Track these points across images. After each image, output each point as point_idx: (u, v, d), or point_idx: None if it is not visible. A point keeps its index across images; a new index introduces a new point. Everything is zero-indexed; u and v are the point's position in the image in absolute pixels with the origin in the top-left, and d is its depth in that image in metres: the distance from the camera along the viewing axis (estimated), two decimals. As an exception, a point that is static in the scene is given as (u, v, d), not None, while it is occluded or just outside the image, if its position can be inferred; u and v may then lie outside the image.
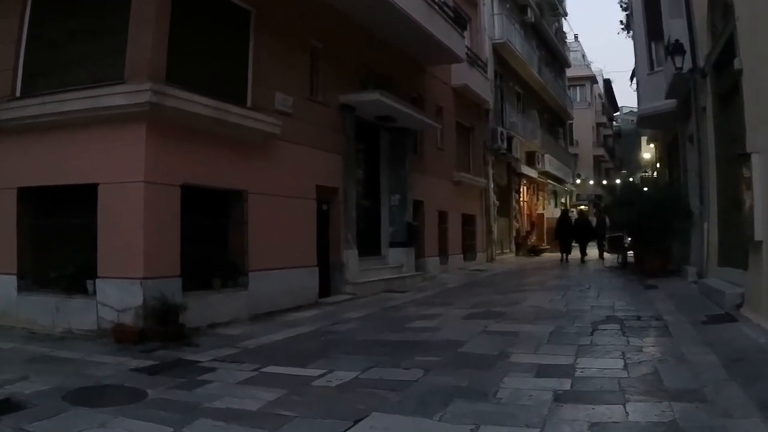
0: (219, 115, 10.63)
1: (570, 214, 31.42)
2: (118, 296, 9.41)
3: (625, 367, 6.81)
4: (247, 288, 11.49)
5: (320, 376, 6.93)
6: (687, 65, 14.33)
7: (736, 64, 9.89)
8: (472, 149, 26.09)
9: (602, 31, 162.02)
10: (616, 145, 79.50)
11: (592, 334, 8.91)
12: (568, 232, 28.25)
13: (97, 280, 9.70)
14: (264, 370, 7.29)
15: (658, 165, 29.54)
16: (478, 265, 24.60)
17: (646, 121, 21.13)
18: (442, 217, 21.89)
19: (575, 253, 28.20)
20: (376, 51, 17.08)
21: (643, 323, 9.76)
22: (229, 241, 11.66)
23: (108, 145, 9.75)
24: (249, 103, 12.00)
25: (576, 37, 68.88)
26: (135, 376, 7.04)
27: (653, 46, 19.89)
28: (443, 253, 21.76)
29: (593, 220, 31.35)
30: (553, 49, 43.87)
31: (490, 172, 27.67)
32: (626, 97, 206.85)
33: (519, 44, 31.65)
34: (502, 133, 28.12)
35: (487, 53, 27.55)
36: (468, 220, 24.83)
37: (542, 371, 6.76)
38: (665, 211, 16.68)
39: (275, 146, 12.47)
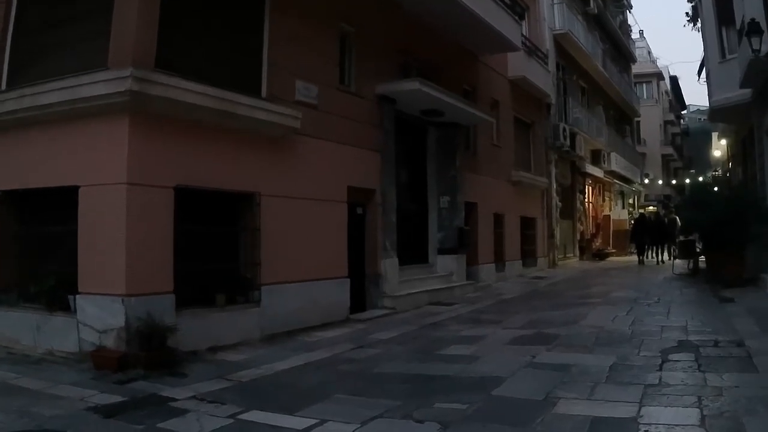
0: (223, 107, 9.04)
1: (648, 216, 31.42)
2: (98, 315, 7.99)
3: (702, 421, 5.13)
4: (259, 304, 9.84)
5: (305, 430, 5.37)
6: (765, 48, 12.22)
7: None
8: (533, 147, 23.91)
9: (668, 25, 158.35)
10: (685, 144, 77.57)
11: (661, 368, 7.03)
12: (646, 235, 27.84)
13: (77, 296, 8.24)
14: (243, 416, 5.87)
15: (730, 164, 27.17)
16: (538, 271, 22.50)
17: (718, 114, 18.83)
18: (498, 220, 19.78)
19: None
20: (419, 37, 15.20)
21: (721, 351, 7.86)
22: (239, 251, 10.06)
23: (89, 142, 8.36)
24: (264, 93, 10.38)
25: (641, 32, 66.54)
26: (86, 419, 5.83)
27: (724, 32, 17.94)
28: (499, 259, 19.66)
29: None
30: (617, 42, 41.25)
31: (553, 171, 25.40)
32: (693, 94, 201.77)
33: (582, 35, 29.31)
34: (564, 130, 25.78)
35: (547, 44, 25.35)
36: (528, 224, 22.65)
37: (595, 428, 5.08)
38: (742, 213, 14.65)
39: (296, 142, 10.80)
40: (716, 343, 8.29)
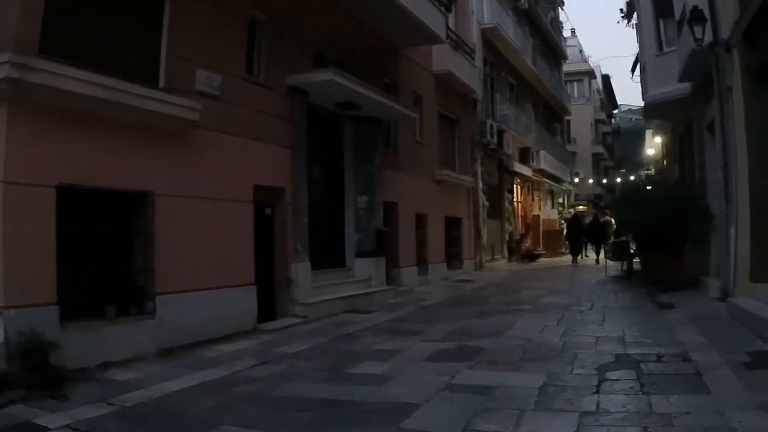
0: (113, 96, 8.29)
1: (581, 216, 32.60)
2: (-23, 330, 7.09)
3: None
4: (153, 315, 9.07)
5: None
6: (707, 38, 11.91)
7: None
8: (458, 144, 23.50)
9: (600, 24, 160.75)
10: (616, 143, 78.73)
11: (598, 390, 6.37)
12: (580, 235, 29.44)
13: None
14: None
15: (664, 162, 27.15)
16: (464, 274, 22.05)
17: (655, 109, 18.51)
18: (421, 221, 19.25)
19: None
20: (338, 26, 14.60)
21: (666, 367, 7.25)
22: (133, 257, 9.23)
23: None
24: (162, 83, 9.60)
25: (573, 31, 67.24)
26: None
27: (662, 24, 17.63)
28: (422, 262, 19.12)
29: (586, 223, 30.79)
30: (548, 39, 41.67)
31: (479, 169, 24.99)
32: (624, 94, 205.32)
33: (511, 30, 29.24)
34: (492, 127, 25.50)
35: (474, 38, 25.08)
36: (453, 224, 22.17)
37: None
38: (681, 212, 14.32)
39: (196, 137, 10.05)
40: (659, 358, 7.75)
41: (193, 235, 9.88)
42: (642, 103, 20.16)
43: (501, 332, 10.10)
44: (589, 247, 31.02)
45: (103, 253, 8.68)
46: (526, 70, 33.48)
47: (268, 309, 11.91)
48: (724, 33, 11.55)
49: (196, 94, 10.07)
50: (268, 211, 12.29)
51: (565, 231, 35.50)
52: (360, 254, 15.41)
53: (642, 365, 7.36)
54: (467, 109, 24.24)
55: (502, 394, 6.42)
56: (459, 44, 21.99)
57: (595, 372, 7.14)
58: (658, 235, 14.68)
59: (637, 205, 16.04)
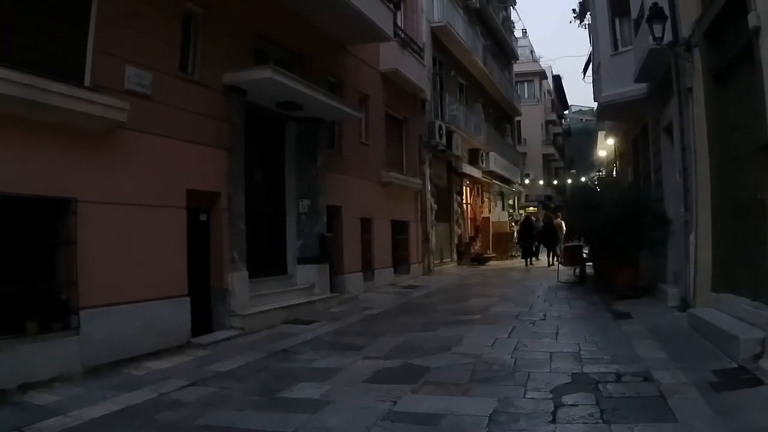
0: (30, 95, 7.70)
1: (533, 219, 32.92)
2: None
3: None
4: (78, 331, 8.43)
5: None
6: (667, 37, 11.64)
7: (752, 20, 7.39)
8: (406, 145, 23.05)
9: (551, 24, 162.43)
10: (566, 144, 79.26)
11: (554, 418, 5.95)
12: (532, 238, 30.18)
13: None
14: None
15: (616, 164, 27.02)
16: (412, 279, 21.67)
17: (609, 111, 18.34)
18: (366, 225, 18.75)
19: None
20: (279, 22, 14.06)
21: (626, 389, 6.87)
22: (56, 269, 8.60)
23: None
24: (88, 81, 8.97)
25: (524, 32, 67.60)
26: None
27: (617, 23, 17.56)
28: (368, 268, 18.63)
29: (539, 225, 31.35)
30: (499, 39, 41.61)
31: (427, 171, 24.56)
32: (575, 95, 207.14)
33: (462, 29, 28.97)
34: (440, 128, 25.13)
35: (424, 37, 24.71)
36: (399, 228, 21.69)
37: None
38: (637, 216, 14.04)
39: (123, 139, 9.44)
40: (619, 377, 7.35)
41: (121, 244, 9.28)
42: (593, 105, 19.96)
43: (449, 347, 9.61)
44: (541, 249, 31.31)
45: (22, 265, 8.06)
46: (477, 70, 33.22)
47: (203, 321, 11.34)
48: (685, 32, 11.32)
49: (125, 93, 9.45)
50: (202, 217, 11.69)
51: (516, 233, 35.64)
52: (302, 261, 14.87)
53: (601, 386, 6.97)
54: (416, 109, 23.83)
55: (449, 425, 5.97)
56: (407, 42, 21.59)
57: (551, 395, 6.73)
58: (612, 239, 14.39)
59: (590, 208, 15.81)
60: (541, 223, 31.51)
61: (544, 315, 12.75)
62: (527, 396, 6.80)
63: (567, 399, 6.56)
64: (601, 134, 29.52)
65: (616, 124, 22.48)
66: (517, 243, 34.48)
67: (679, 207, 12.33)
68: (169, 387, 7.81)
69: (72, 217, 8.55)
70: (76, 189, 8.60)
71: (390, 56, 20.12)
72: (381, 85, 20.29)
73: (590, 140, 61.21)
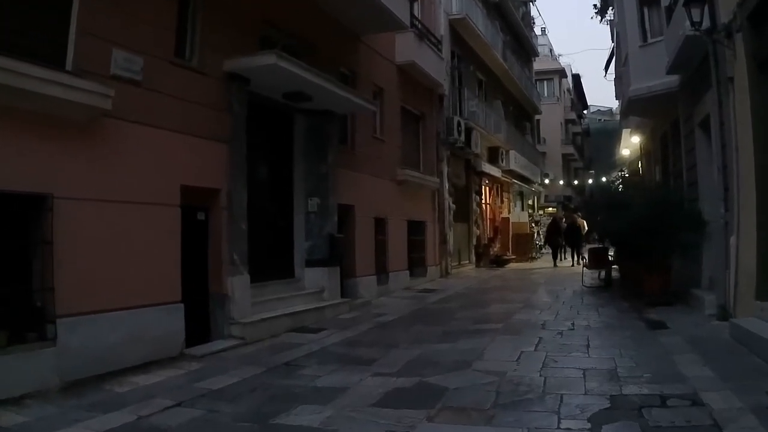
0: (4, 79, 6.89)
1: (559, 219, 32.27)
2: None
3: None
4: (55, 342, 7.55)
5: None
6: (704, 23, 10.59)
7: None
8: (423, 142, 22.01)
9: (569, 24, 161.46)
10: (586, 144, 78.44)
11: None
12: (560, 238, 29.83)
13: None
14: None
15: (641, 162, 25.90)
16: (428, 282, 20.59)
17: (637, 106, 17.14)
18: (381, 225, 17.72)
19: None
20: (288, 7, 13.07)
21: (674, 415, 5.89)
22: (32, 273, 7.70)
23: None
24: (70, 65, 8.10)
25: (544, 30, 66.55)
26: None
27: (646, 12, 16.46)
28: (382, 270, 17.57)
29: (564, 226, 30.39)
30: (519, 34, 40.46)
31: (445, 169, 23.50)
32: (593, 95, 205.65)
33: (481, 23, 27.86)
34: (459, 124, 23.96)
35: (442, 30, 23.62)
36: (416, 229, 20.63)
37: None
38: (669, 218, 12.92)
39: (109, 129, 8.56)
40: (663, 401, 6.34)
41: (105, 246, 8.37)
42: (612, 105, 18.90)
43: (469, 363, 8.55)
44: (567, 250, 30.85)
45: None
46: (496, 65, 32.13)
47: (200, 329, 10.42)
48: (724, 17, 10.25)
49: (111, 79, 8.54)
50: (200, 215, 10.76)
51: (543, 234, 34.93)
52: (311, 263, 13.86)
53: (645, 412, 5.98)
54: (433, 104, 22.77)
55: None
56: (424, 34, 20.52)
57: (589, 425, 5.74)
58: (641, 242, 13.32)
59: (617, 208, 14.77)
60: (565, 224, 30.83)
61: (573, 324, 11.65)
62: (561, 426, 5.80)
63: (608, 429, 5.58)
64: (625, 132, 28.27)
65: (642, 120, 21.26)
66: (544, 244, 33.91)
67: (717, 207, 11.32)
68: (151, 408, 6.87)
69: (48, 215, 7.65)
70: (53, 184, 7.71)
71: (406, 48, 19.12)
72: (397, 78, 19.27)
73: (610, 141, 60.62)
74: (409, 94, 20.27)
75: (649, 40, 15.94)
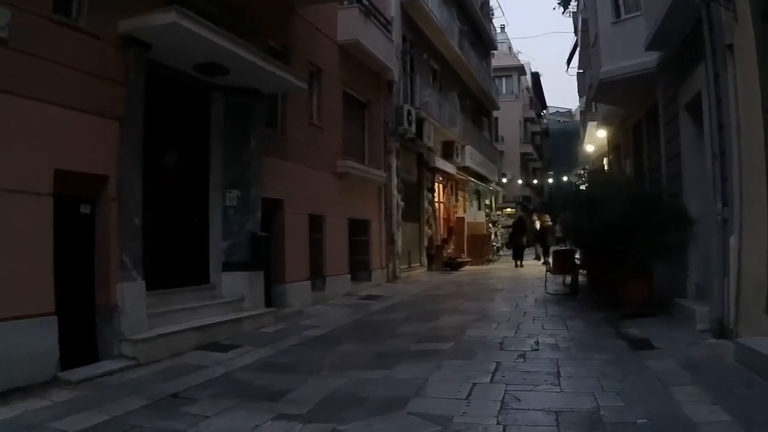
0: None
1: (525, 219, 33.10)
2: None
3: None
4: None
5: None
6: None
7: None
8: (369, 132, 20.27)
9: (529, 24, 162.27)
10: (544, 144, 78.46)
11: None
12: (524, 238, 29.88)
13: None
14: None
15: (609, 157, 24.55)
16: (374, 287, 18.93)
17: (609, 90, 15.47)
18: (317, 223, 15.91)
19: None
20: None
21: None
22: None
23: None
24: None
25: (503, 27, 65.85)
26: None
27: (619, -15, 14.95)
28: (317, 275, 15.73)
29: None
30: (477, 26, 39.47)
31: (394, 163, 21.78)
32: (552, 98, 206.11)
33: (436, 7, 26.43)
34: (410, 113, 22.31)
35: (393, 11, 22.01)
36: (359, 228, 18.89)
37: None
38: (652, 216, 11.40)
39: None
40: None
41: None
42: (572, 106, 17.44)
43: (404, 401, 6.70)
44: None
45: None
46: (452, 55, 30.85)
47: (86, 348, 8.70)
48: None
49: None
50: (84, 208, 8.93)
51: (503, 235, 35.58)
52: (229, 267, 12.00)
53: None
54: (381, 91, 21.04)
55: None
56: (371, 11, 18.76)
57: None
58: (619, 244, 11.69)
59: (588, 207, 13.23)
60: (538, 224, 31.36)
61: (537, 342, 9.85)
62: None
63: None
64: (590, 126, 26.84)
65: (611, 111, 19.69)
66: (508, 244, 33.55)
67: (707, 202, 9.88)
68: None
69: None
70: None
71: (350, 25, 17.42)
72: (338, 58, 17.53)
73: (569, 142, 60.51)
74: (354, 77, 18.56)
75: (623, 16, 14.42)
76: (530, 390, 6.95)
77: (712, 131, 9.45)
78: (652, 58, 12.89)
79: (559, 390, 6.98)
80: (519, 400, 6.55)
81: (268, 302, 12.88)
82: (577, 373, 7.73)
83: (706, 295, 10.07)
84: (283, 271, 13.92)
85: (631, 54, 13.31)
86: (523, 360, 8.65)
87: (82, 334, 8.69)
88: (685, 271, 11.36)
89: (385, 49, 19.91)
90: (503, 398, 6.62)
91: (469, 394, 6.86)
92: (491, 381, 7.46)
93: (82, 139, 8.54)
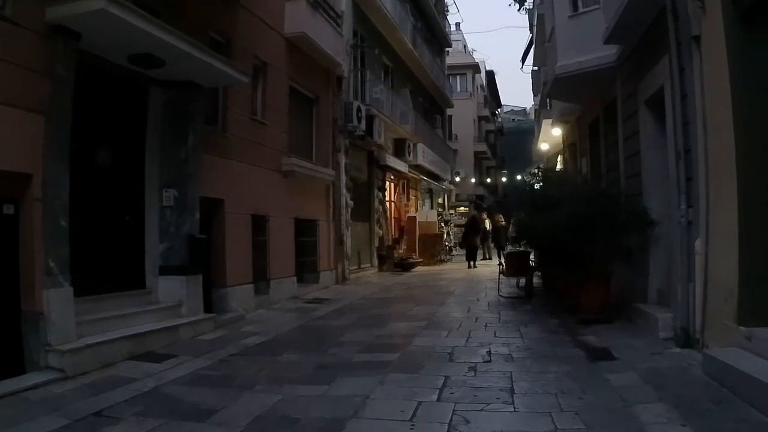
0: None
1: (479, 218, 32.42)
2: None
3: None
4: None
5: None
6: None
7: None
8: (317, 129, 19.77)
9: (485, 19, 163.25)
10: (498, 143, 78.87)
11: None
12: (477, 238, 29.84)
13: None
14: None
15: (564, 156, 24.35)
16: (322, 289, 18.51)
17: (565, 85, 15.24)
18: (260, 223, 15.33)
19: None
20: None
21: None
22: None
23: None
24: None
25: (458, 25, 66.02)
26: None
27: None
28: (261, 278, 15.16)
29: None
30: (431, 22, 39.38)
31: (343, 161, 21.28)
32: (507, 97, 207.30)
33: (389, 2, 26.20)
34: (359, 110, 21.89)
35: (343, 5, 21.58)
36: (306, 228, 18.37)
37: None
38: (611, 217, 11.11)
39: None
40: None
41: None
42: (525, 105, 17.20)
43: (341, 424, 6.21)
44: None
45: None
46: (405, 50, 30.58)
47: (12, 359, 8.18)
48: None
49: None
50: (8, 208, 8.40)
51: (455, 234, 35.49)
52: (166, 271, 11.46)
53: None
54: (330, 87, 20.56)
55: None
56: (320, 3, 18.27)
57: None
58: (576, 246, 11.34)
59: (543, 207, 12.91)
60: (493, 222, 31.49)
61: (489, 353, 9.38)
62: None
63: None
64: (545, 124, 26.56)
65: (568, 108, 19.48)
66: (461, 244, 33.32)
67: (673, 203, 9.55)
68: None
69: None
70: None
71: (297, 17, 16.94)
72: (285, 52, 17.04)
73: (523, 141, 60.83)
74: (301, 72, 18.08)
75: (581, 9, 14.31)
76: (481, 410, 6.50)
77: (677, 128, 9.19)
78: (610, 52, 12.72)
79: (512, 409, 6.52)
80: (468, 421, 6.11)
81: (209, 307, 12.40)
82: (532, 389, 7.27)
83: (668, 300, 9.85)
84: (224, 274, 13.41)
85: (589, 49, 13.12)
86: (473, 374, 8.17)
87: (8, 345, 8.19)
88: (645, 276, 11.13)
89: (334, 43, 19.46)
90: (451, 420, 6.16)
91: (414, 415, 6.38)
92: (438, 399, 6.98)
93: (4, 134, 8.01)
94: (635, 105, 11.90)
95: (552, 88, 16.12)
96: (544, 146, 29.99)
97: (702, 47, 8.32)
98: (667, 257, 10.20)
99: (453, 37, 52.02)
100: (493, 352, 9.45)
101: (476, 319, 12.89)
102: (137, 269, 11.31)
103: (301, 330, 12.28)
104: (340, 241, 20.95)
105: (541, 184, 16.15)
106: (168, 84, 11.47)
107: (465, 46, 67.16)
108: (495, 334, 11.07)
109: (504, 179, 72.43)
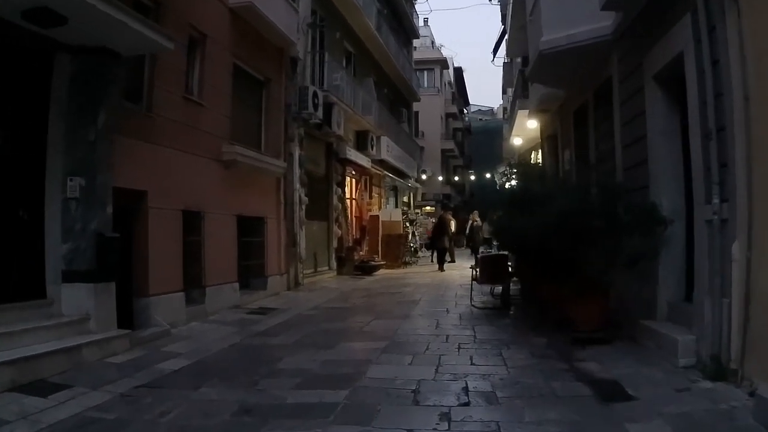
0: None
1: (447, 219, 31.11)
2: None
3: None
4: None
5: None
6: None
7: None
8: (266, 115, 18.00)
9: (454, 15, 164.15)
10: (466, 142, 79.19)
11: None
12: (446, 239, 28.98)
13: None
14: None
15: (543, 148, 22.91)
16: (269, 296, 16.74)
17: (553, 63, 13.46)
18: (193, 221, 13.49)
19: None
20: None
21: None
22: None
23: None
24: None
25: (426, 21, 65.28)
26: None
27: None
28: (194, 285, 13.31)
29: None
30: (398, 9, 38.30)
31: (296, 152, 19.49)
32: (474, 97, 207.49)
33: (350, -20, 24.64)
34: (316, 95, 20.07)
35: (300, -21, 19.84)
36: (251, 227, 16.59)
37: None
38: (613, 216, 9.47)
39: None
40: None
41: None
42: (493, 104, 15.69)
43: None
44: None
45: None
46: (369, 36, 29.15)
47: None
48: None
49: None
50: None
51: (421, 235, 34.95)
52: (71, 277, 9.60)
53: None
54: (283, 69, 18.81)
55: None
56: (270, -29, 16.50)
57: None
58: (568, 250, 9.49)
59: (526, 205, 11.31)
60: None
61: (466, 389, 7.45)
62: None
63: None
64: (520, 115, 25.06)
65: (548, 95, 17.79)
66: (428, 246, 32.92)
67: (696, 197, 8.09)
68: None
69: None
70: None
71: (244, -13, 15.14)
72: (229, 24, 15.27)
73: (490, 140, 60.58)
74: (248, 49, 16.36)
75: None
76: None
77: (707, 102, 7.51)
78: (606, 23, 11.28)
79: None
80: None
81: (128, 321, 10.61)
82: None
83: (682, 317, 8.29)
84: (146, 281, 11.55)
85: (580, 20, 11.69)
86: (447, 425, 6.21)
87: None
88: (652, 285, 9.46)
89: (287, 18, 17.73)
90: None
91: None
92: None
93: None
94: (639, 82, 10.25)
95: (534, 68, 14.38)
96: (517, 141, 28.71)
97: (741, 2, 6.69)
98: (680, 264, 8.76)
99: (421, 32, 51.25)
100: (470, 388, 7.51)
101: (447, 337, 11.03)
102: (35, 275, 9.43)
103: (234, 350, 10.42)
104: (292, 241, 19.17)
105: (520, 179, 14.54)
106: (78, 50, 9.64)
107: (433, 43, 67.06)
108: (471, 360, 9.18)
109: (472, 177, 72.12)
